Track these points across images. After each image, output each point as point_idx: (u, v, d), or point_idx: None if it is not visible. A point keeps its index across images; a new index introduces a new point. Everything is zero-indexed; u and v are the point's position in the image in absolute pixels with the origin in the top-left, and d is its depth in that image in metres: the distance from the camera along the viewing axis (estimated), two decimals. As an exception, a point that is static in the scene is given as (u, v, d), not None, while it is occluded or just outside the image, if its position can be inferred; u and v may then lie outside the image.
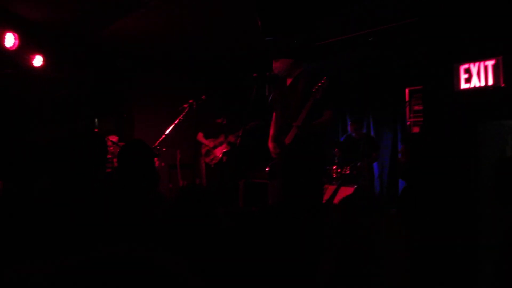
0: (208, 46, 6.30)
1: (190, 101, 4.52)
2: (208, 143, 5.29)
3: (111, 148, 5.35)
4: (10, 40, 5.19)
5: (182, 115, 4.51)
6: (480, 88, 3.37)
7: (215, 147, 5.32)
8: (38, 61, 5.59)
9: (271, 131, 3.79)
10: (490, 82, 3.31)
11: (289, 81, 3.71)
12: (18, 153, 2.30)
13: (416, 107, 5.81)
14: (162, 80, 7.07)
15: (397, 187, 6.91)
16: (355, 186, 5.99)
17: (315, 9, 4.98)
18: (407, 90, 5.93)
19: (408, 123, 5.96)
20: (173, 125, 4.58)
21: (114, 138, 5.77)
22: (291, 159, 3.52)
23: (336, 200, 5.21)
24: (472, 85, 3.43)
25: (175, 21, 5.39)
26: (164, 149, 4.69)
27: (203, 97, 4.53)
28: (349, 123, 6.88)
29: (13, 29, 5.21)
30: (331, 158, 6.37)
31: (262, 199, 5.71)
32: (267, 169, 6.02)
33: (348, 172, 6.09)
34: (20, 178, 2.14)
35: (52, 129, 5.81)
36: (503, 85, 3.26)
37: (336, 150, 6.52)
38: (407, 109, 5.91)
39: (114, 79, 6.66)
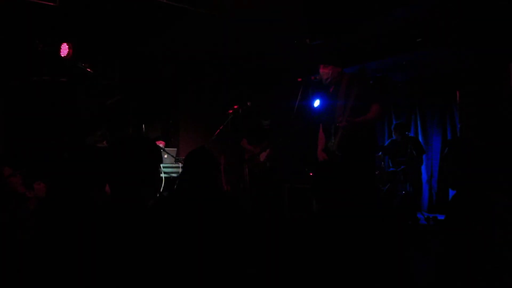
0: (253, 52, 6.34)
1: (235, 106, 4.56)
2: (252, 148, 5.32)
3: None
4: (64, 49, 5.45)
5: (227, 121, 4.56)
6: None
7: (259, 152, 5.34)
8: (89, 68, 5.84)
9: (320, 141, 3.73)
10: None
11: (331, 88, 3.66)
12: (72, 158, 2.40)
13: (468, 109, 5.57)
14: (207, 87, 7.18)
15: (447, 192, 6.65)
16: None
17: (361, 11, 4.92)
18: (457, 92, 5.71)
19: (459, 125, 5.74)
20: (218, 131, 4.63)
21: (161, 144, 5.94)
22: (339, 165, 3.46)
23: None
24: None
25: (219, 28, 5.47)
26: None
27: (248, 103, 4.55)
28: (393, 125, 6.70)
29: (67, 39, 5.48)
30: (377, 162, 6.22)
31: (307, 205, 5.66)
32: (311, 174, 6.00)
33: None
34: (75, 182, 2.22)
35: (103, 135, 6.05)
36: None
37: (380, 154, 6.37)
38: (458, 111, 5.69)
39: (161, 86, 6.84)
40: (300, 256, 3.23)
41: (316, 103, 5.62)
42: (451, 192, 6.52)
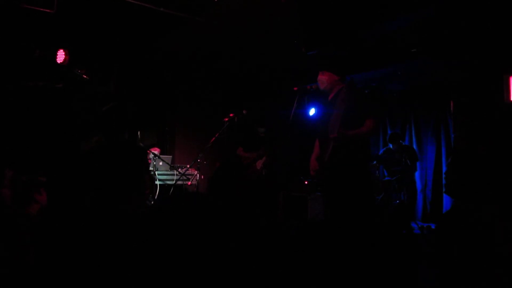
0: (249, 61, 6.37)
1: (231, 115, 4.56)
2: (248, 156, 5.32)
3: (150, 160, 5.49)
4: (61, 56, 5.46)
5: (223, 129, 4.56)
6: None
7: (254, 160, 5.34)
8: (85, 74, 5.85)
9: (315, 150, 3.72)
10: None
11: (330, 96, 3.65)
12: (68, 162, 2.39)
13: (461, 119, 5.62)
14: (203, 94, 7.20)
15: (441, 202, 6.68)
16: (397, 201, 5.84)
17: (357, 21, 4.96)
18: (451, 102, 5.76)
19: (453, 135, 5.78)
20: (214, 138, 4.63)
21: (156, 150, 5.92)
22: (330, 174, 3.45)
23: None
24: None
25: (215, 37, 5.50)
26: (205, 161, 4.75)
27: (244, 111, 4.56)
28: (388, 135, 6.74)
29: (63, 46, 5.49)
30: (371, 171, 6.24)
31: (302, 212, 5.66)
32: (306, 182, 6.01)
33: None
34: (70, 187, 2.21)
35: (97, 140, 6.04)
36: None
37: (374, 162, 6.39)
38: (452, 121, 5.73)
39: (157, 93, 6.85)
40: (295, 264, 3.23)
41: (312, 111, 5.64)
42: (445, 202, 6.56)
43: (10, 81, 6.10)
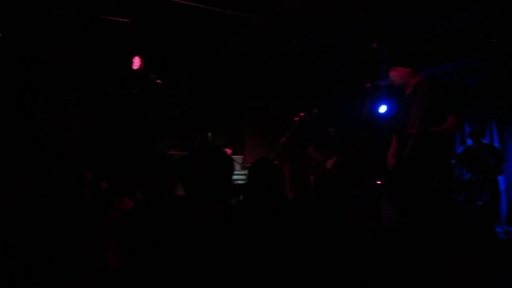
0: (318, 59, 6.30)
1: (302, 114, 4.53)
2: (318, 156, 5.26)
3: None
4: (136, 63, 5.75)
5: (293, 128, 4.54)
6: None
7: (324, 160, 5.27)
8: (158, 79, 6.11)
9: (393, 145, 3.58)
10: None
11: (408, 91, 3.49)
12: (151, 166, 2.47)
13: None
14: (273, 94, 7.23)
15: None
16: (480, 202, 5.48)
17: (431, 12, 4.73)
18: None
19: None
20: (284, 138, 4.63)
21: (228, 151, 6.06)
22: (408, 172, 3.30)
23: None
24: None
25: (285, 35, 5.50)
26: (276, 161, 4.73)
27: (314, 110, 4.51)
28: (468, 132, 6.33)
29: (138, 53, 5.78)
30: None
31: (374, 214, 5.48)
32: (379, 182, 5.81)
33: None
34: (157, 189, 2.30)
35: (171, 143, 6.28)
36: None
37: (453, 161, 6.03)
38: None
39: (227, 94, 6.99)
40: (373, 268, 3.13)
41: (383, 108, 5.45)
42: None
43: (90, 88, 6.55)
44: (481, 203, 5.43)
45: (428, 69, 5.73)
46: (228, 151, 6.07)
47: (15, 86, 6.00)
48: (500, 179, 6.38)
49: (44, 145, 5.71)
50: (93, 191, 4.57)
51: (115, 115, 6.66)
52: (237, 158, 6.07)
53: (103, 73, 6.23)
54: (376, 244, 3.60)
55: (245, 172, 5.74)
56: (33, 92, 6.27)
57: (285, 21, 5.09)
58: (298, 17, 5.01)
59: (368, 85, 3.83)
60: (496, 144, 6.59)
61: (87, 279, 1.93)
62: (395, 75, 3.47)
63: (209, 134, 6.01)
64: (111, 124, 6.64)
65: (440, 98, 3.11)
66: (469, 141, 6.18)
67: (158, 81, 6.01)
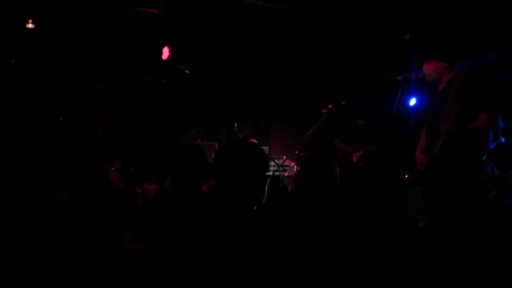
0: (348, 50, 6.22)
1: (330, 106, 4.49)
2: (346, 147, 5.20)
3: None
4: (166, 53, 5.80)
5: (321, 120, 4.51)
6: None
7: (351, 152, 5.21)
8: (185, 70, 6.16)
9: (422, 141, 3.51)
10: None
11: (441, 86, 3.40)
12: (181, 155, 2.49)
13: None
14: (300, 85, 7.18)
15: None
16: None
17: (466, 5, 4.60)
18: None
19: None
20: (312, 130, 4.60)
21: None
22: (437, 169, 3.23)
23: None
24: None
25: (313, 26, 5.45)
26: (302, 153, 4.75)
27: (343, 102, 4.46)
28: (501, 128, 6.14)
29: (168, 43, 5.83)
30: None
31: (400, 209, 5.41)
32: (407, 176, 5.72)
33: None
34: (185, 177, 2.32)
35: (198, 134, 6.34)
36: None
37: (485, 157, 5.87)
38: None
39: (253, 85, 6.99)
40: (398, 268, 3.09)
41: (412, 101, 5.33)
42: None
43: (119, 80, 6.66)
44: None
45: (464, 61, 5.58)
46: (254, 142, 6.09)
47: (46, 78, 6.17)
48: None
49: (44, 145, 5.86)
50: (123, 178, 4.68)
51: (143, 105, 6.76)
52: (264, 149, 6.08)
53: (133, 63, 6.32)
54: (402, 240, 3.57)
55: (271, 163, 5.76)
56: (66, 82, 6.43)
57: (316, 12, 5.03)
58: (330, 9, 4.95)
59: (399, 78, 3.76)
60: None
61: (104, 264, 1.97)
62: (429, 68, 3.38)
63: (236, 124, 6.04)
64: (139, 113, 6.75)
65: (472, 95, 3.03)
66: (502, 138, 6.01)
67: (187, 71, 6.06)
